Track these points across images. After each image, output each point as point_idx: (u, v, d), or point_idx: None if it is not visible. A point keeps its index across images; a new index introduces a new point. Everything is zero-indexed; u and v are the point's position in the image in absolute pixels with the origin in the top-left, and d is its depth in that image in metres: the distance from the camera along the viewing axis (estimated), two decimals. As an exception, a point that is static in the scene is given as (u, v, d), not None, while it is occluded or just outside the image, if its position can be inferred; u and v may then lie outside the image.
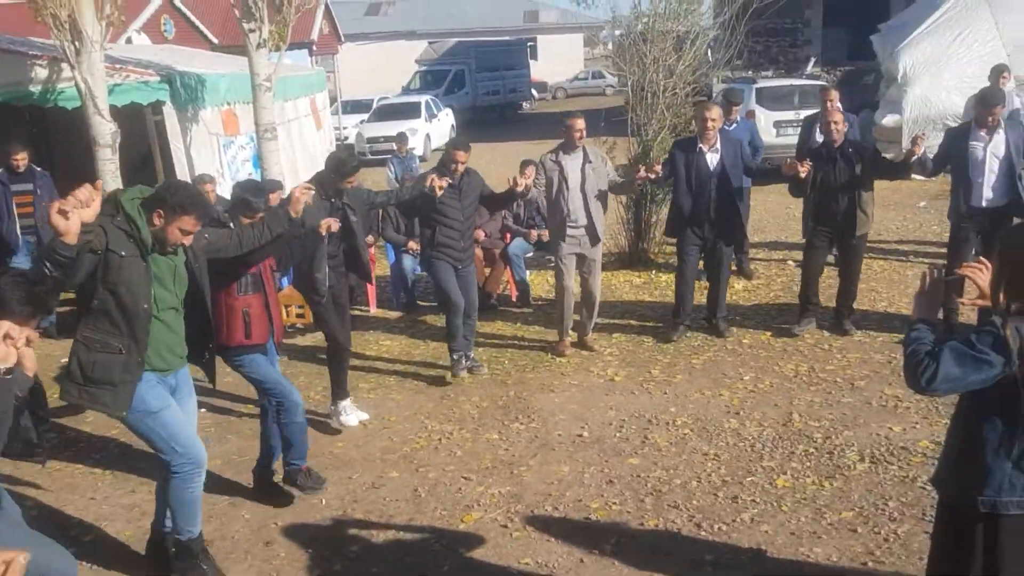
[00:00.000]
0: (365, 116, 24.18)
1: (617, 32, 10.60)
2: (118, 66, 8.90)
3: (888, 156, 7.66)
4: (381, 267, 9.25)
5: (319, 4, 12.93)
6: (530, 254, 8.67)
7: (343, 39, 30.42)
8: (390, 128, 21.34)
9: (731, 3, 9.43)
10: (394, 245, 8.52)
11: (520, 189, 6.32)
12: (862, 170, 6.71)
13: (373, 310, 8.55)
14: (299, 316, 7.81)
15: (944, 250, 7.61)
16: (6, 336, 2.71)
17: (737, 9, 9.40)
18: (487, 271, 8.55)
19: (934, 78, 13.82)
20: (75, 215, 3.09)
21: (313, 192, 4.65)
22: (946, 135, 7.06)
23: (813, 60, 22.34)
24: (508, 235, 8.67)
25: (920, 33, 14.64)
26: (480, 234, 8.51)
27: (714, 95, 14.85)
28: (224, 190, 8.18)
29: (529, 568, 4.14)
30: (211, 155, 9.94)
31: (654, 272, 9.19)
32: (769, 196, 12.15)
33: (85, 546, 4.48)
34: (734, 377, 6.32)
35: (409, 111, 23.00)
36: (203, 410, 5.59)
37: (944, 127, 11.94)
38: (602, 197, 6.82)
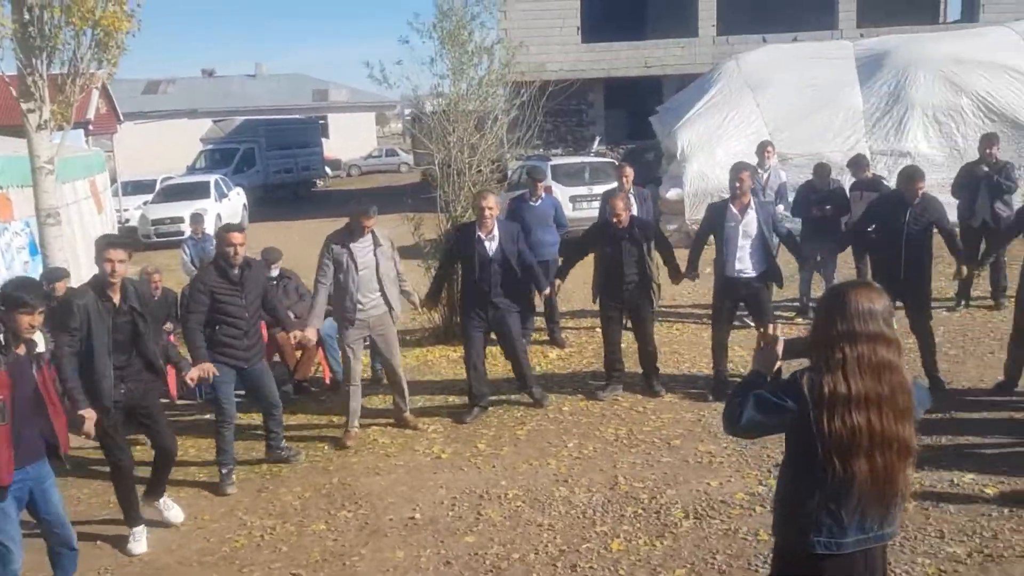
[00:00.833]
0: (148, 197, 22.95)
1: (407, 112, 10.80)
2: None
3: (672, 227, 8.17)
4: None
5: (98, 81, 12.20)
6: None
7: (122, 118, 28.88)
8: (177, 209, 20.40)
9: (528, 86, 9.86)
10: None
11: None
12: (648, 248, 7.19)
13: (176, 399, 7.98)
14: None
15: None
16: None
17: (534, 91, 9.84)
18: (298, 354, 8.24)
19: (708, 155, 15.09)
20: None
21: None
22: (707, 211, 7.57)
23: (598, 139, 23.76)
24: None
25: (693, 114, 16.01)
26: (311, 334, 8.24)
27: (510, 173, 15.41)
28: (-1, 278, 7.43)
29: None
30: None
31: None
32: (575, 268, 12.61)
33: None
34: (559, 445, 6.42)
35: (197, 191, 22.07)
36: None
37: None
38: (394, 279, 6.81)
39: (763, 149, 10.08)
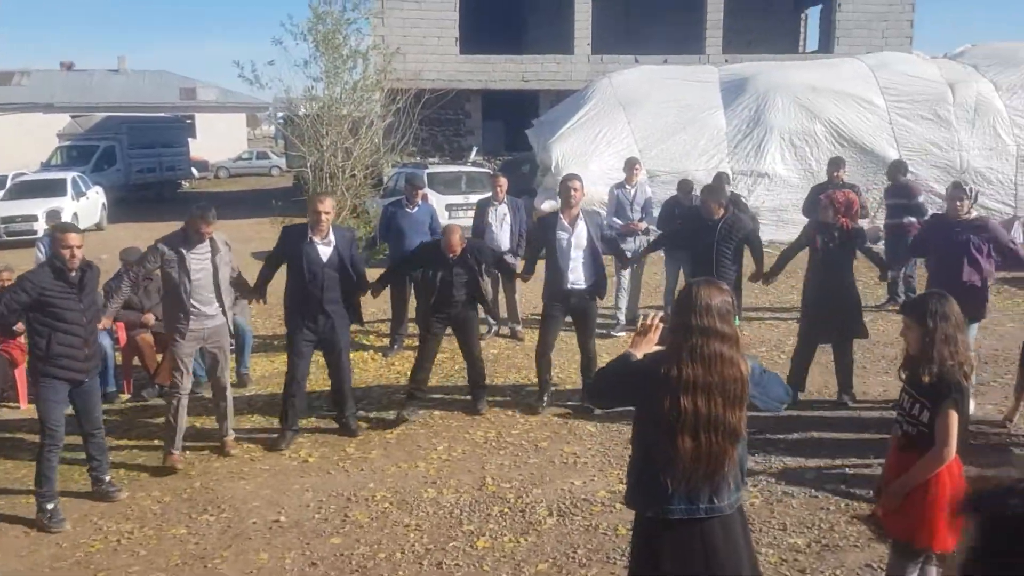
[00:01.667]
0: (-1, 193, 21.61)
1: (280, 114, 10.64)
2: None
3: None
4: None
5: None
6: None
7: (-31, 108, 27.16)
8: (30, 207, 19.29)
9: (404, 92, 9.89)
10: None
11: None
12: (481, 271, 7.11)
13: (24, 406, 7.58)
14: None
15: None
16: None
17: (410, 99, 9.88)
18: (159, 357, 7.96)
19: (581, 168, 15.42)
20: None
21: None
22: (537, 222, 7.46)
23: (476, 149, 23.98)
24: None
25: (567, 129, 16.41)
26: (150, 318, 7.96)
27: (385, 180, 15.36)
28: None
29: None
30: None
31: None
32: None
33: None
34: (428, 448, 6.46)
35: (52, 188, 20.90)
36: None
37: (594, 212, 13.40)
38: (232, 285, 6.47)
39: (631, 166, 10.39)
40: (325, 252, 6.52)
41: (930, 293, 3.62)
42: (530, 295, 9.55)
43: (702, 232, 7.21)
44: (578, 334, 7.24)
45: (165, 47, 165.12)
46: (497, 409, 7.28)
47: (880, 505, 3.69)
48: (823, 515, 5.15)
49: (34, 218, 18.76)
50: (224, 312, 6.34)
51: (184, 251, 6.10)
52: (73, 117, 35.62)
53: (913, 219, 10.06)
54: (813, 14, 31.58)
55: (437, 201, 14.97)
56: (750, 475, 5.67)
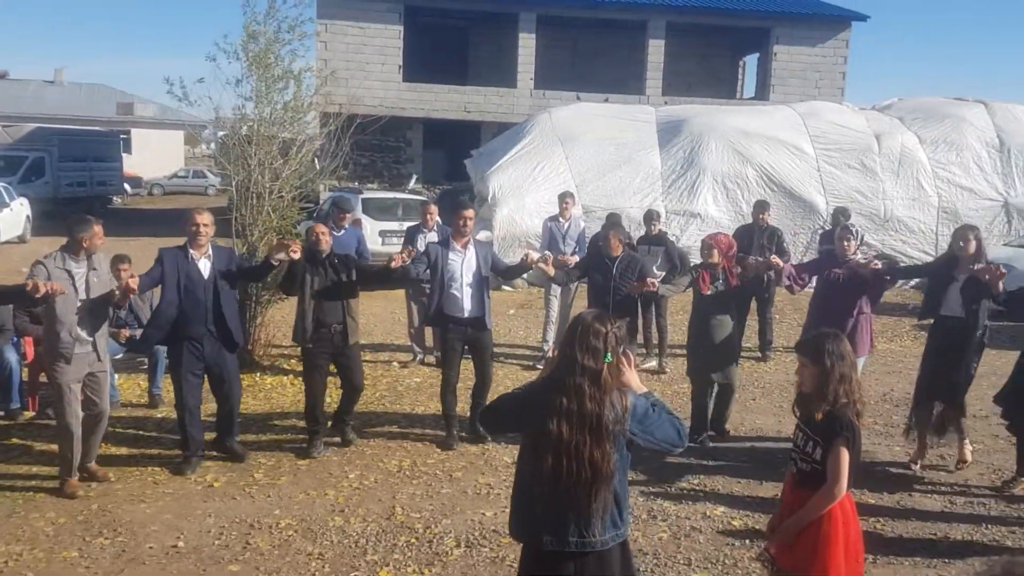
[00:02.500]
0: (-85, 202, 20.85)
1: (220, 133, 10.46)
2: None
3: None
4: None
5: None
6: (119, 355, 8.03)
7: None
8: (-52, 217, 18.68)
9: (336, 116, 9.83)
10: None
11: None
12: (352, 279, 6.83)
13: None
14: None
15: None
16: None
17: (342, 122, 9.82)
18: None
19: (518, 201, 15.58)
20: None
21: None
22: (428, 248, 7.21)
23: (415, 177, 23.96)
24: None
25: (506, 161, 16.51)
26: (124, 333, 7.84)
27: (321, 202, 15.24)
28: None
29: None
30: None
31: (258, 374, 8.97)
32: (375, 301, 12.60)
33: None
34: (339, 475, 6.33)
35: (-26, 199, 20.30)
36: None
37: (527, 244, 13.47)
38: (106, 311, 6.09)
39: (563, 200, 10.48)
40: (205, 267, 6.31)
41: (824, 333, 3.67)
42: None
43: (601, 268, 7.62)
44: (475, 361, 7.20)
45: (106, 61, 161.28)
46: (413, 438, 7.19)
47: (772, 542, 3.72)
48: (728, 551, 5.17)
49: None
50: (95, 337, 5.93)
51: (69, 268, 5.77)
52: (3, 127, 34.59)
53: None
54: (751, 62, 32.53)
55: (371, 227, 14.90)
56: (660, 511, 5.71)
